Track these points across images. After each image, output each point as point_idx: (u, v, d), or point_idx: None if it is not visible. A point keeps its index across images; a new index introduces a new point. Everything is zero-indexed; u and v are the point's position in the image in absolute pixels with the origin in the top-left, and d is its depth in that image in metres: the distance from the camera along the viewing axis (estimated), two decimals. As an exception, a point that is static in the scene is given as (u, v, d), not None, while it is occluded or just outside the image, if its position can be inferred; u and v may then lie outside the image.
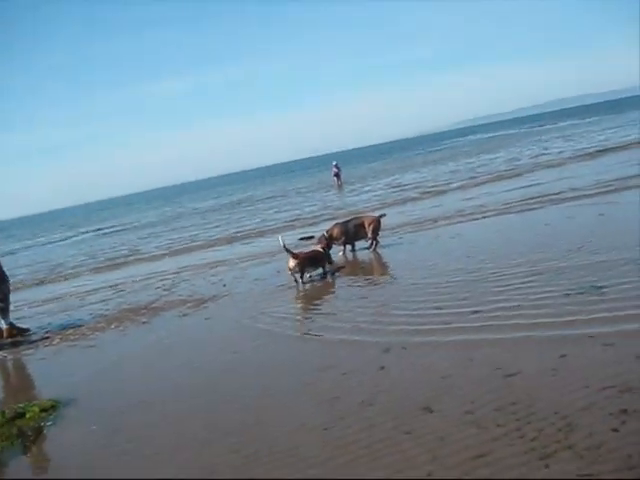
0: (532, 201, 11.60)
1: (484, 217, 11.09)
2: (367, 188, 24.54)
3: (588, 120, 53.80)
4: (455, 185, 18.27)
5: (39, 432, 4.62)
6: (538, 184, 14.05)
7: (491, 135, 72.42)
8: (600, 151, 19.43)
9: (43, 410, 5.00)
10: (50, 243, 30.44)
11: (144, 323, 7.85)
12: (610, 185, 11.56)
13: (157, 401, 4.89)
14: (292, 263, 8.30)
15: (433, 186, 19.10)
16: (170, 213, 37.00)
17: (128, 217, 42.77)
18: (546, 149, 25.65)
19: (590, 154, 19.22)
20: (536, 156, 22.92)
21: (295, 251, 8.52)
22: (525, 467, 2.87)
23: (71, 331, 8.12)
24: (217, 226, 20.55)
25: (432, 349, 4.71)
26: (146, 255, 16.18)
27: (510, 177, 17.31)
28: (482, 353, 4.43)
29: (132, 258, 16.12)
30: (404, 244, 10.02)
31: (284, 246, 8.33)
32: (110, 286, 11.54)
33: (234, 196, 42.48)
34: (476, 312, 5.39)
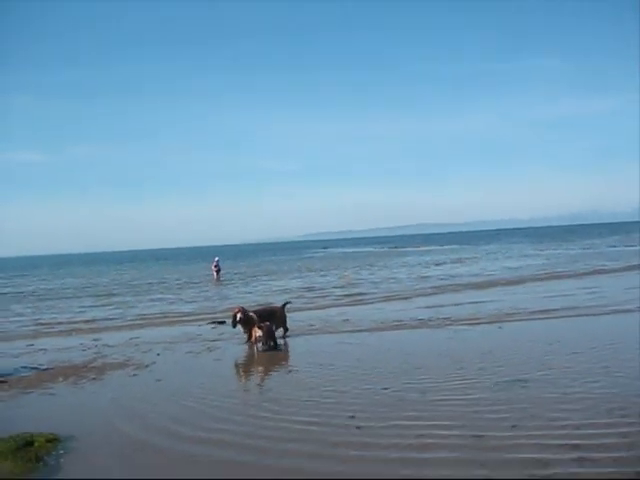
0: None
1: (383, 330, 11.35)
2: (259, 287, 24.44)
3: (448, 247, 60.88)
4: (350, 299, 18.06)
5: (57, 458, 5.19)
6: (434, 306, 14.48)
7: (353, 250, 77.63)
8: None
9: (48, 441, 5.52)
10: None
11: (94, 379, 8.29)
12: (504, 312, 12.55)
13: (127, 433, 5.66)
14: (259, 333, 9.46)
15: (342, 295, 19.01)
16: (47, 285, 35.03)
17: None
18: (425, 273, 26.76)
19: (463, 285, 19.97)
20: (416, 278, 23.99)
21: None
22: None
23: (14, 379, 8.33)
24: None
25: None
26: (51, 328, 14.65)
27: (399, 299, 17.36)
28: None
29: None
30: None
31: (254, 317, 9.72)
32: (28, 346, 11.47)
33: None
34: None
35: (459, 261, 35.91)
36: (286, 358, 9.42)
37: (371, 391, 6.88)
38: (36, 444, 5.41)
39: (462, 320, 11.94)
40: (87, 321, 15.51)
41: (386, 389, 6.94)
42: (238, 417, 6.18)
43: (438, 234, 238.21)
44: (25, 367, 9.21)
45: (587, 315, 11.77)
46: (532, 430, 5.22)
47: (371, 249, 79.99)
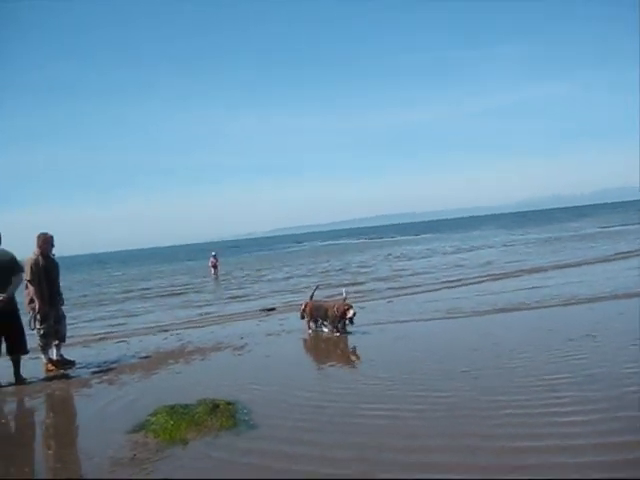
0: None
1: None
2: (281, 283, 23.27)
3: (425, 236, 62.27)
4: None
5: (246, 415, 5.86)
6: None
7: (330, 243, 78.41)
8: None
9: (228, 404, 6.14)
10: None
11: (203, 360, 8.89)
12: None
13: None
14: (352, 312, 9.63)
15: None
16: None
17: None
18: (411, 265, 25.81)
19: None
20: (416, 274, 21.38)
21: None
22: None
23: (127, 365, 8.86)
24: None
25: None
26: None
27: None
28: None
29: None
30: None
31: (345, 297, 10.13)
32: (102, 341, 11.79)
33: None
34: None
35: (462, 250, 34.84)
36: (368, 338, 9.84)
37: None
38: (221, 406, 6.03)
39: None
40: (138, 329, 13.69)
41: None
42: (380, 371, 6.97)
43: (403, 224, 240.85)
44: (125, 356, 9.70)
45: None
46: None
47: (349, 241, 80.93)
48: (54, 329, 8.98)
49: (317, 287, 11.58)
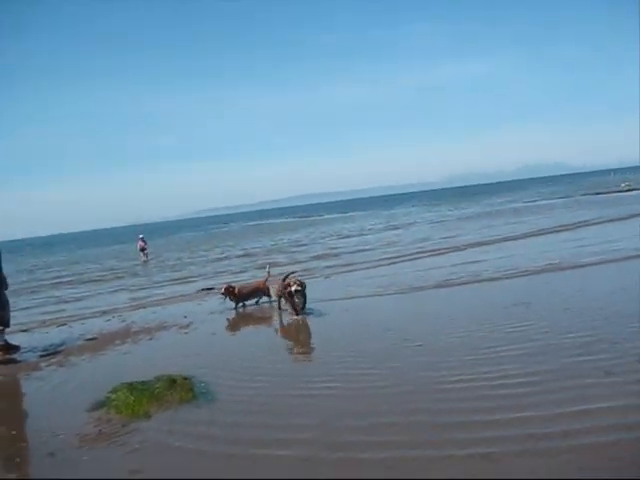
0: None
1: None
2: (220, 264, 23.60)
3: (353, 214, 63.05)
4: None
5: (204, 388, 6.12)
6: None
7: (262, 222, 78.40)
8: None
9: (184, 378, 6.38)
10: None
11: (150, 339, 9.01)
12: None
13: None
14: (293, 288, 9.31)
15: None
16: None
17: None
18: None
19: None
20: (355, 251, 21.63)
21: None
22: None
23: (74, 348, 8.87)
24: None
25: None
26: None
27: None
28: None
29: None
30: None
31: (268, 274, 10.64)
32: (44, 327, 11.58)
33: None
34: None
35: (394, 226, 35.46)
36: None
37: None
38: (178, 381, 6.25)
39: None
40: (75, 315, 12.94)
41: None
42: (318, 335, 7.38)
43: (330, 202, 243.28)
44: (70, 338, 9.66)
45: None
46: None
47: (278, 220, 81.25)
48: None
49: (269, 267, 11.73)
